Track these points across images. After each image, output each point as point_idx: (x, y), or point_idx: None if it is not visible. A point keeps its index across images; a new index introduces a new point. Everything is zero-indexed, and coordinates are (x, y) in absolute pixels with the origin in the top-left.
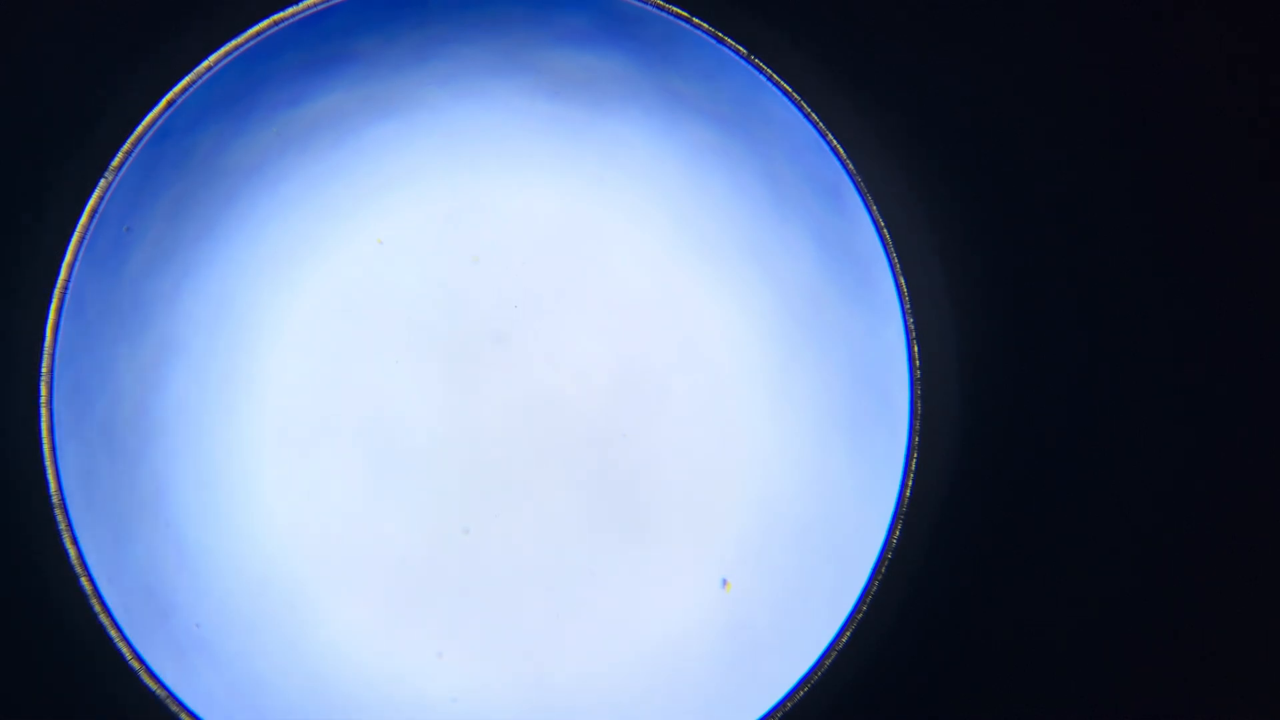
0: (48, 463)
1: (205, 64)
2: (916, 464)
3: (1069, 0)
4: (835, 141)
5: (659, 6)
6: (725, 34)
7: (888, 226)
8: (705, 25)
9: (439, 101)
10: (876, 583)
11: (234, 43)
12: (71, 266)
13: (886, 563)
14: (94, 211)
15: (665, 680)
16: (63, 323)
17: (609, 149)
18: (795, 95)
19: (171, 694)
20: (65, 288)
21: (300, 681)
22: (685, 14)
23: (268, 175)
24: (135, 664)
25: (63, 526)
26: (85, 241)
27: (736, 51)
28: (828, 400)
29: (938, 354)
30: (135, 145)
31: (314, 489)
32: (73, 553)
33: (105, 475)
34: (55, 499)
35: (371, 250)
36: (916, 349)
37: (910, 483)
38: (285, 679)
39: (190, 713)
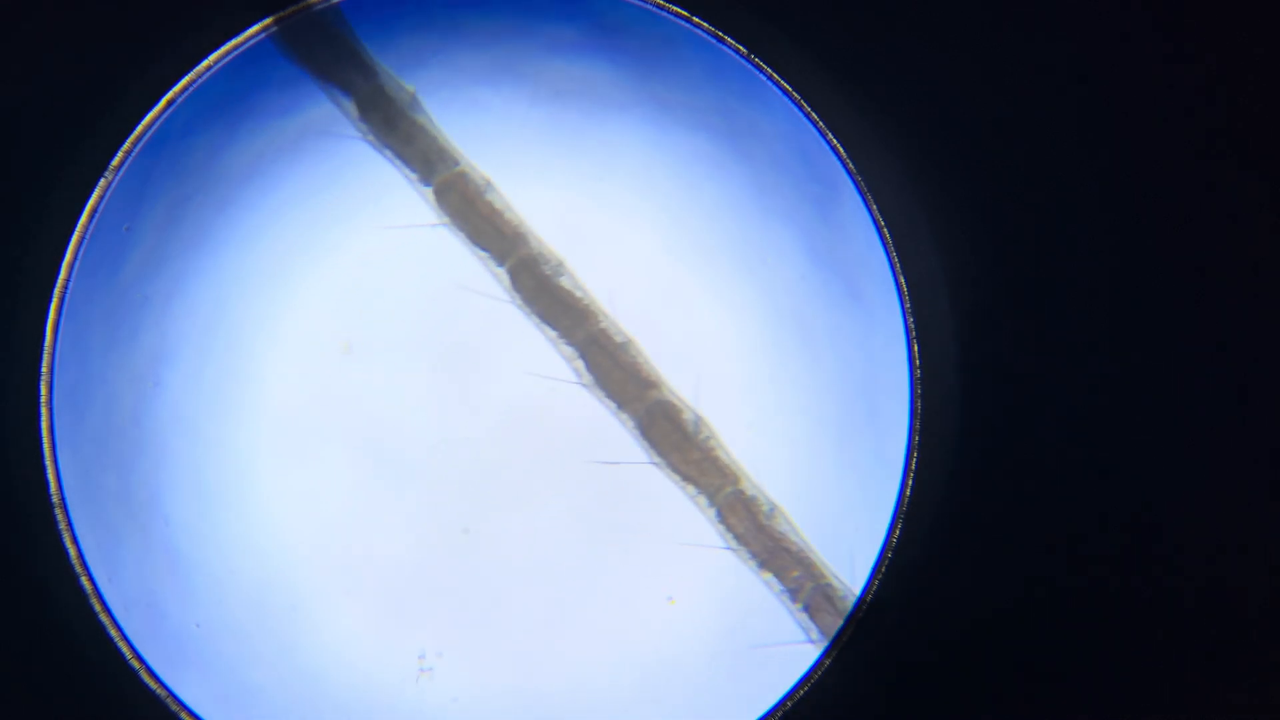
0: (48, 462)
1: (204, 64)
2: (916, 464)
3: (1068, 4)
4: (835, 141)
5: (659, 6)
6: (725, 34)
7: (888, 226)
8: (705, 25)
9: (431, 108)
10: (876, 583)
11: (231, 44)
12: (71, 266)
13: (886, 563)
14: (94, 211)
15: (666, 680)
16: (62, 323)
17: (601, 158)
18: (795, 95)
19: (171, 693)
20: (65, 288)
21: (299, 681)
22: (685, 14)
23: (262, 181)
24: (135, 664)
25: (63, 526)
26: (85, 241)
27: (737, 51)
28: (825, 402)
29: (938, 354)
30: (135, 145)
31: (310, 491)
32: (73, 552)
33: (104, 476)
34: (55, 499)
35: (367, 254)
36: (917, 349)
37: (910, 483)
38: (283, 679)
39: (190, 711)
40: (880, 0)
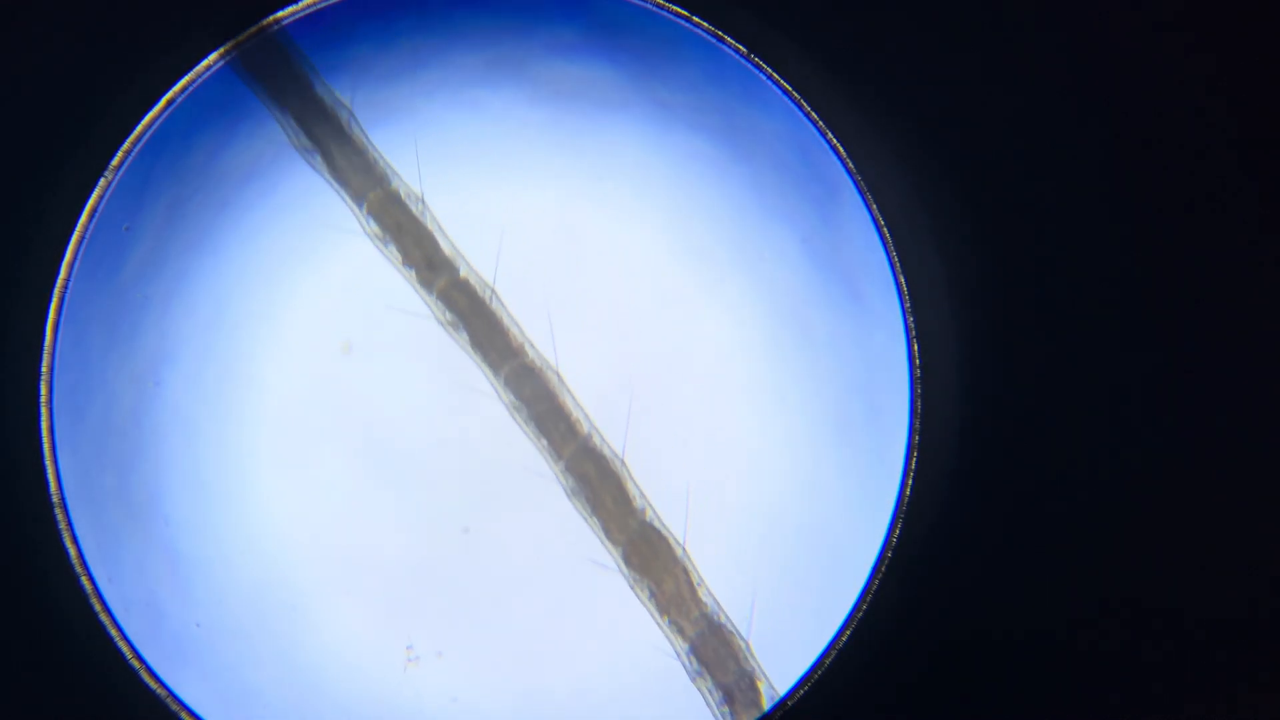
0: (48, 462)
1: (204, 64)
2: (916, 464)
3: (1069, 5)
4: (835, 141)
5: (659, 6)
6: (725, 34)
7: (888, 226)
8: (705, 25)
9: (431, 109)
10: (876, 582)
11: (232, 43)
12: (71, 266)
13: (886, 562)
14: (94, 211)
15: (666, 680)
16: (62, 323)
17: (600, 158)
18: (795, 95)
19: (172, 693)
20: (65, 288)
21: (299, 681)
22: (685, 14)
23: (262, 181)
24: (135, 664)
25: (63, 526)
26: (85, 241)
27: (737, 51)
28: (824, 403)
29: (938, 354)
30: (135, 144)
31: (310, 491)
32: (73, 552)
33: (104, 476)
34: (55, 499)
35: (365, 255)
36: (916, 348)
37: (910, 483)
38: (283, 679)
39: (190, 711)
40: (880, 0)
